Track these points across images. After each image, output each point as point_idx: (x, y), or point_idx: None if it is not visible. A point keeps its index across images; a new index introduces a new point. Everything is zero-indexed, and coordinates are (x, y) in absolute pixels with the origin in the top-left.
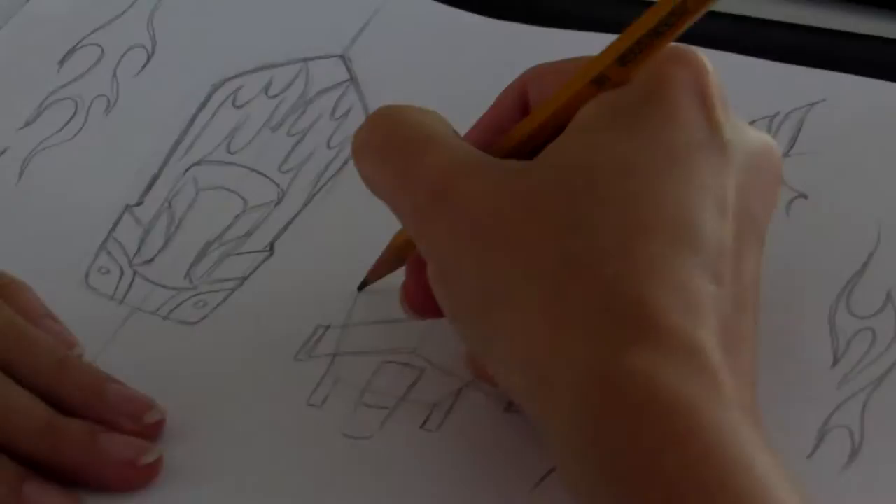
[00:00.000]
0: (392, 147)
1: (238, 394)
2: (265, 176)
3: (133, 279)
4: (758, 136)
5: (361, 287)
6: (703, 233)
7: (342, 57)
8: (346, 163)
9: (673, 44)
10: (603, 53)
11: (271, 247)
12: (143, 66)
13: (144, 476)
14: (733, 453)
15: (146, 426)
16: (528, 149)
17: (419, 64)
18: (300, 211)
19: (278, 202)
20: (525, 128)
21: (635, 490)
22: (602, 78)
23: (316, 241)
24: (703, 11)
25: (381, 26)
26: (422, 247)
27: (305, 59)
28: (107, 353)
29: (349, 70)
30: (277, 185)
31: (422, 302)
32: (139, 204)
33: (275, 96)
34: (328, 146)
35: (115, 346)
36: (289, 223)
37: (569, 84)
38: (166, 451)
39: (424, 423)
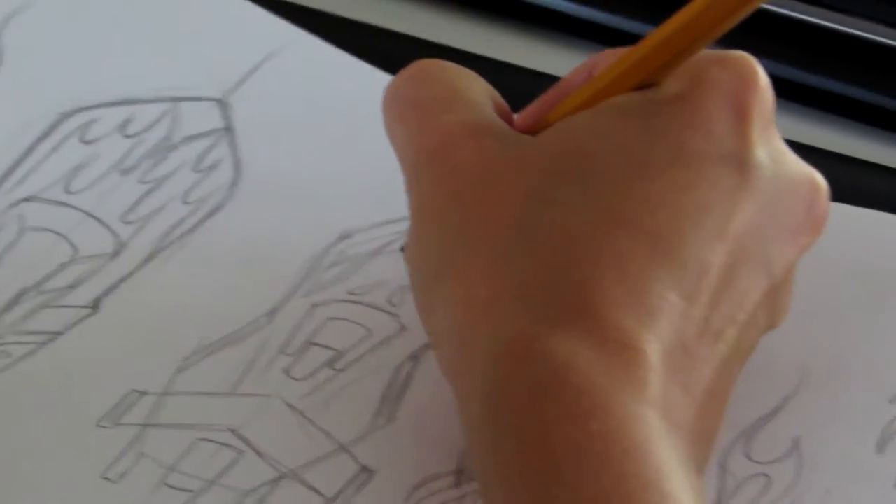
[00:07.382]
0: (416, 102)
1: (26, 458)
2: (104, 224)
3: None
4: (801, 170)
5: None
6: (686, 250)
7: (220, 101)
8: (201, 222)
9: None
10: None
11: (96, 304)
12: None
13: None
14: (636, 438)
15: None
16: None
17: (308, 118)
18: (137, 269)
19: (114, 256)
20: (560, 109)
21: (522, 467)
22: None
23: (148, 303)
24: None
25: (272, 72)
26: (410, 204)
27: (176, 99)
28: None
29: (226, 117)
30: (116, 237)
31: None
32: None
33: (132, 136)
34: (184, 201)
35: None
36: (121, 281)
37: (603, 74)
38: None
39: None
